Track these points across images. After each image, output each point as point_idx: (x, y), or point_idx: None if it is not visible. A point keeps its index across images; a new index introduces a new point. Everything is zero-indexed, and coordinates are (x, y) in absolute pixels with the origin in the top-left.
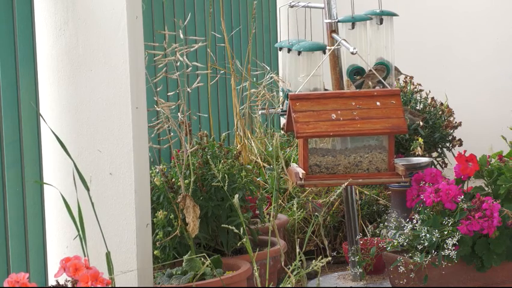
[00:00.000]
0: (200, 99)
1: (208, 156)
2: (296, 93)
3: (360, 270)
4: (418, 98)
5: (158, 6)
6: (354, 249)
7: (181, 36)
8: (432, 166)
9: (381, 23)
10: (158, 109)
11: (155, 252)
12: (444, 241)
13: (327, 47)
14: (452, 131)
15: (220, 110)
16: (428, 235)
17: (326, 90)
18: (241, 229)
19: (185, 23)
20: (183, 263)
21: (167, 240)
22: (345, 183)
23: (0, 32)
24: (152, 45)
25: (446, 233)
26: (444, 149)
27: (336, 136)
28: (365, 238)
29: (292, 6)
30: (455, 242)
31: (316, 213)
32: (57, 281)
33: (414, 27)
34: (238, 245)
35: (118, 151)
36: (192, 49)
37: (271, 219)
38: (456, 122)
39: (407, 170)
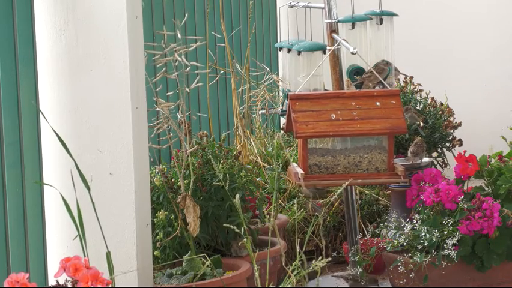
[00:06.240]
0: (200, 99)
1: (209, 156)
2: (296, 93)
3: (360, 270)
4: (418, 98)
5: (158, 6)
6: (354, 249)
7: (179, 36)
8: (432, 166)
9: (381, 23)
10: (158, 109)
11: (155, 253)
12: (444, 241)
13: (327, 47)
14: (452, 131)
15: (220, 110)
16: (428, 235)
17: (325, 90)
18: (242, 229)
19: (183, 22)
20: (183, 263)
21: (167, 240)
22: (345, 184)
23: (0, 32)
24: (151, 45)
25: (446, 233)
26: (444, 149)
27: (336, 136)
28: (365, 238)
29: (292, 6)
30: (455, 242)
31: (316, 213)
32: (57, 281)
33: (414, 28)
34: (239, 245)
35: (118, 151)
36: (190, 49)
37: (271, 219)
38: (456, 122)
39: (407, 170)
